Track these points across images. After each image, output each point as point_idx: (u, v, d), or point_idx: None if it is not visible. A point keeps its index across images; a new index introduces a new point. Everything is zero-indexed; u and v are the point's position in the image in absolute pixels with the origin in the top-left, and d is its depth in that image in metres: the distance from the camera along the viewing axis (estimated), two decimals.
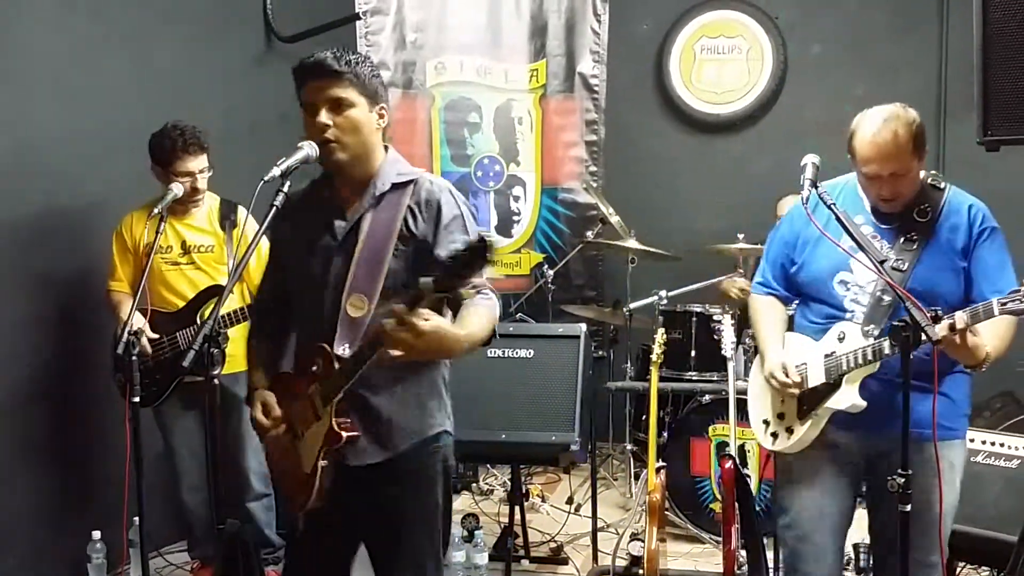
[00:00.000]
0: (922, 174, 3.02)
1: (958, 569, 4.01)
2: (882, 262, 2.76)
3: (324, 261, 2.66)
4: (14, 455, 4.22)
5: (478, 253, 2.16)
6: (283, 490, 2.79)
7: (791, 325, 3.29)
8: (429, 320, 2.28)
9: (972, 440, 3.80)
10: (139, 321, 4.00)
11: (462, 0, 6.44)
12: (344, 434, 2.55)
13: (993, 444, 3.78)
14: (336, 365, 2.55)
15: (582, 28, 6.42)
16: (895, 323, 2.66)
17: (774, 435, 3.22)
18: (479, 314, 2.52)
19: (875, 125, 2.89)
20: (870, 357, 2.90)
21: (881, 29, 6.21)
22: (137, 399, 3.36)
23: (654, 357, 4.29)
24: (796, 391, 3.06)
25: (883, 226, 3.03)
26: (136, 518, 3.77)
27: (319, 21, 5.62)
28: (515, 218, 6.64)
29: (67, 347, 4.47)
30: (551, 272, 5.98)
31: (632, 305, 5.53)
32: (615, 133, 6.55)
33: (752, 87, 6.46)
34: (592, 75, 6.46)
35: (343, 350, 2.56)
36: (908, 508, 2.70)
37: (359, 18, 6.18)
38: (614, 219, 5.74)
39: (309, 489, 2.62)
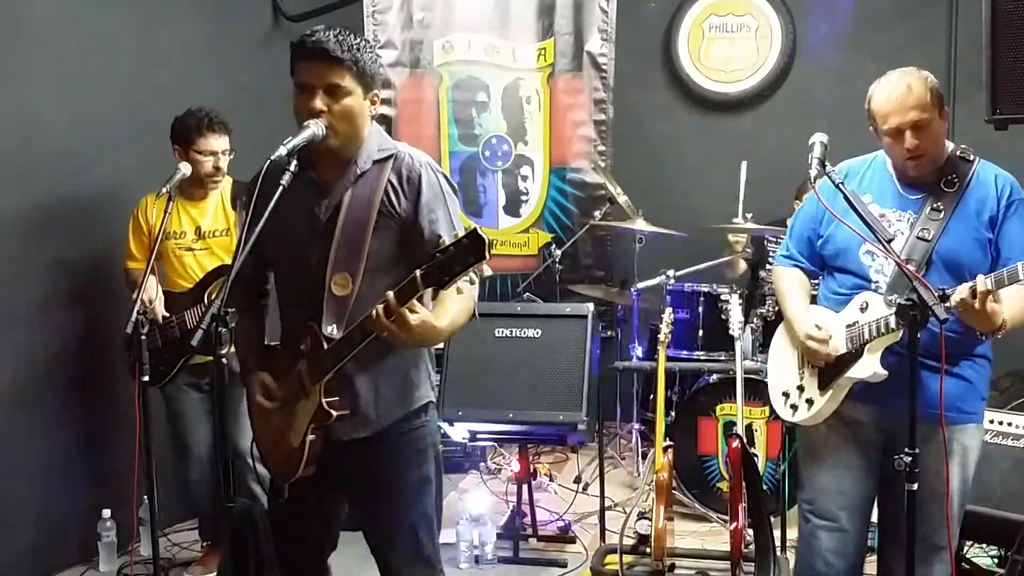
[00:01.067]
0: (950, 146, 3.03)
1: (965, 548, 4.02)
2: (889, 241, 2.76)
3: (308, 239, 2.65)
4: (25, 434, 4.24)
5: (470, 249, 2.21)
6: (269, 461, 2.80)
7: (813, 300, 3.29)
8: (417, 313, 2.34)
9: None
10: (152, 289, 4.02)
11: None
12: (333, 412, 2.58)
13: (1001, 423, 3.78)
14: (324, 345, 2.57)
15: (590, 6, 6.39)
16: (902, 301, 2.65)
17: (793, 407, 3.22)
18: (460, 300, 2.55)
19: (890, 82, 2.96)
20: (893, 326, 2.88)
21: (890, 7, 6.17)
22: (147, 377, 3.37)
23: (661, 337, 4.30)
24: (831, 352, 3.03)
25: (910, 196, 3.03)
26: (146, 496, 3.80)
27: (326, 0, 5.61)
28: (523, 198, 6.63)
29: (77, 329, 4.50)
30: (559, 252, 5.99)
31: (640, 285, 5.53)
32: (623, 112, 6.52)
33: (761, 66, 6.43)
34: (600, 54, 6.43)
35: (331, 330, 2.57)
36: (915, 487, 2.70)
37: None
38: (622, 199, 5.73)
39: (297, 461, 2.64)
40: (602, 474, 4.60)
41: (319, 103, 2.55)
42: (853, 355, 3.01)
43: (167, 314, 4.12)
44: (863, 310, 3.00)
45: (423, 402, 2.77)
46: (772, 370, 3.40)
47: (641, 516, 4.33)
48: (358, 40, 2.60)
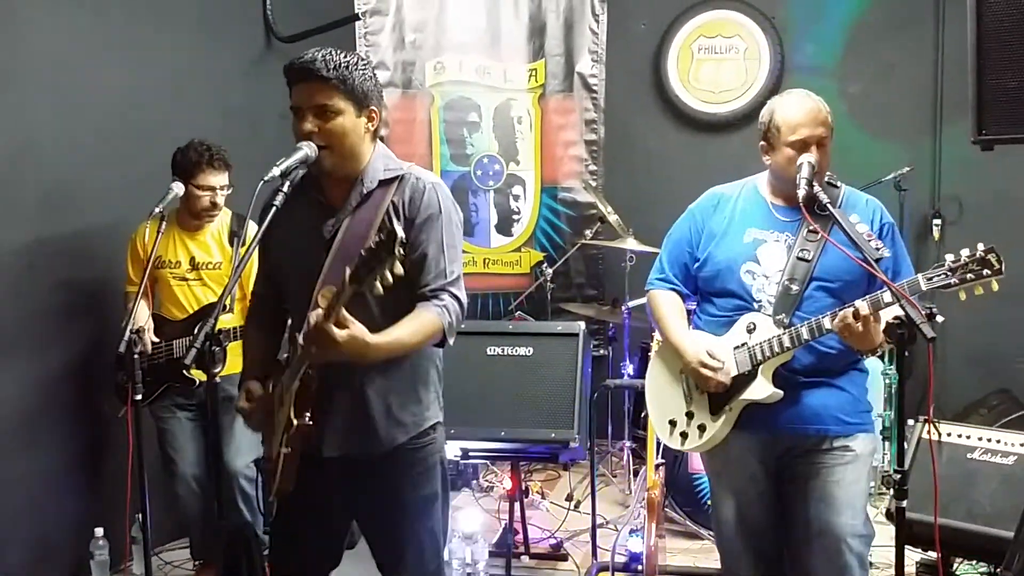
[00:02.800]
0: None
1: (955, 565, 4.05)
2: (878, 260, 2.79)
3: (311, 258, 2.67)
4: (18, 453, 4.24)
5: (384, 244, 2.19)
6: (266, 476, 2.82)
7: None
8: (347, 328, 2.35)
9: (969, 437, 3.84)
10: (143, 318, 4.06)
11: (461, 0, 6.46)
12: (295, 421, 2.55)
13: (990, 441, 3.81)
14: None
15: (580, 28, 6.44)
16: (890, 320, 2.70)
17: (683, 435, 3.21)
18: (417, 319, 2.56)
19: (797, 98, 3.04)
20: (787, 344, 2.95)
21: (877, 29, 6.22)
22: (139, 396, 3.39)
23: (652, 355, 4.31)
24: (726, 378, 3.04)
25: (786, 219, 3.08)
26: (139, 515, 3.80)
27: (319, 21, 5.64)
28: (515, 217, 6.66)
29: (69, 349, 4.50)
30: (551, 270, 6.01)
31: (631, 303, 5.56)
32: (614, 132, 6.56)
33: (749, 87, 6.47)
34: (591, 75, 6.48)
35: None
36: (904, 504, 2.74)
37: (358, 18, 6.20)
38: (613, 218, 5.76)
39: (274, 474, 2.66)
40: (594, 492, 4.61)
41: (309, 125, 2.57)
42: (746, 377, 3.03)
43: (156, 339, 4.15)
44: (751, 331, 3.03)
45: (431, 422, 2.78)
46: (652, 398, 3.39)
47: (633, 533, 4.35)
48: (348, 58, 2.60)
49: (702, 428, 3.13)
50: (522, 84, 6.52)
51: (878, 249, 2.91)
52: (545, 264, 6.21)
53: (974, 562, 4.09)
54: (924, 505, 3.26)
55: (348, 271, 2.26)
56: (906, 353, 2.67)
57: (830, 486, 2.98)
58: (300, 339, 2.58)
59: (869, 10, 6.25)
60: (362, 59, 2.66)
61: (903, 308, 2.63)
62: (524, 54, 6.50)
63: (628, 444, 5.73)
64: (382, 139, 2.80)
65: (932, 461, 3.02)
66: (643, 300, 5.36)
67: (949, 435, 3.86)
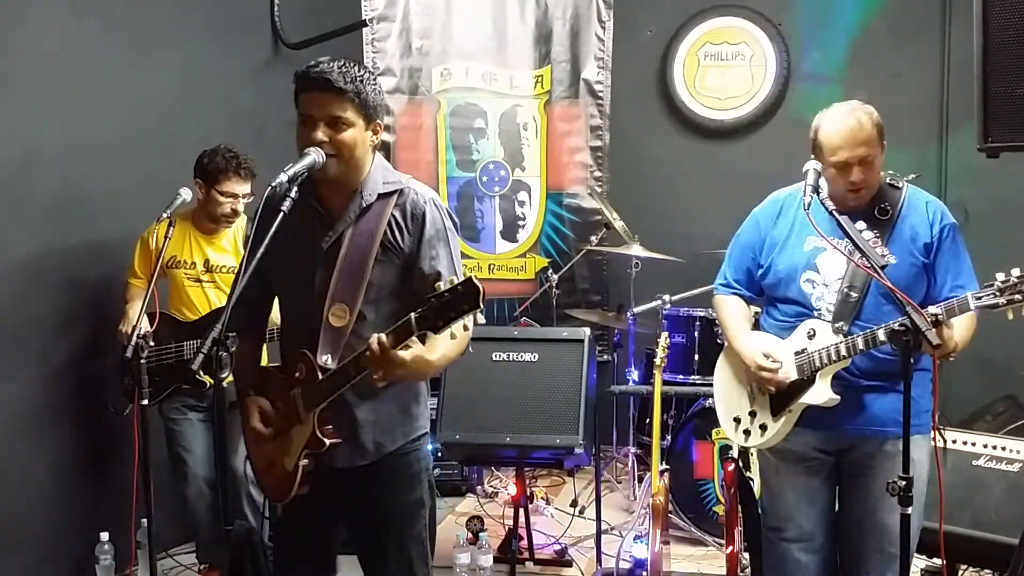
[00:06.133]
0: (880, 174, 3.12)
1: (960, 572, 4.04)
2: (883, 267, 2.80)
3: (310, 269, 2.68)
4: (23, 457, 4.25)
5: (465, 296, 2.23)
6: (263, 481, 2.82)
7: (755, 327, 3.36)
8: (411, 348, 2.38)
9: (974, 444, 3.84)
10: (142, 326, 4.06)
11: (468, 7, 6.47)
12: (327, 441, 2.60)
13: (995, 448, 3.80)
14: (319, 375, 2.59)
15: (586, 34, 6.46)
16: (895, 327, 2.71)
17: (746, 432, 3.28)
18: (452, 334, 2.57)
19: (839, 115, 3.04)
20: (844, 353, 2.98)
21: (883, 35, 6.23)
22: (146, 401, 3.39)
23: (657, 361, 4.32)
24: (782, 381, 3.10)
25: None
26: (144, 519, 3.81)
27: (326, 28, 5.66)
28: (520, 223, 6.67)
29: (75, 352, 4.51)
30: (556, 276, 6.01)
31: (636, 309, 5.56)
32: (619, 138, 6.57)
33: (755, 93, 6.48)
34: (597, 81, 6.49)
35: (325, 359, 2.60)
36: (909, 511, 2.73)
37: (365, 25, 6.22)
38: (618, 224, 5.76)
39: (290, 484, 2.67)
40: (598, 497, 4.61)
41: (320, 134, 2.58)
42: (805, 381, 3.08)
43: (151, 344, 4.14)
44: (811, 337, 3.07)
45: (420, 433, 2.80)
46: (720, 396, 3.45)
47: (637, 540, 4.35)
48: (361, 71, 2.61)
49: (763, 427, 3.21)
50: (528, 90, 6.54)
51: (883, 256, 2.92)
52: (550, 270, 6.23)
53: (979, 569, 4.08)
54: (929, 512, 3.25)
55: (414, 316, 2.31)
56: (911, 360, 2.68)
57: (884, 494, 2.97)
58: (320, 358, 2.60)
59: (875, 18, 6.25)
60: (371, 72, 2.67)
61: (908, 315, 2.65)
62: (530, 60, 6.51)
63: (633, 450, 5.73)
64: (386, 146, 2.81)
65: (937, 468, 3.02)
66: (648, 306, 5.45)
67: (954, 442, 3.85)
